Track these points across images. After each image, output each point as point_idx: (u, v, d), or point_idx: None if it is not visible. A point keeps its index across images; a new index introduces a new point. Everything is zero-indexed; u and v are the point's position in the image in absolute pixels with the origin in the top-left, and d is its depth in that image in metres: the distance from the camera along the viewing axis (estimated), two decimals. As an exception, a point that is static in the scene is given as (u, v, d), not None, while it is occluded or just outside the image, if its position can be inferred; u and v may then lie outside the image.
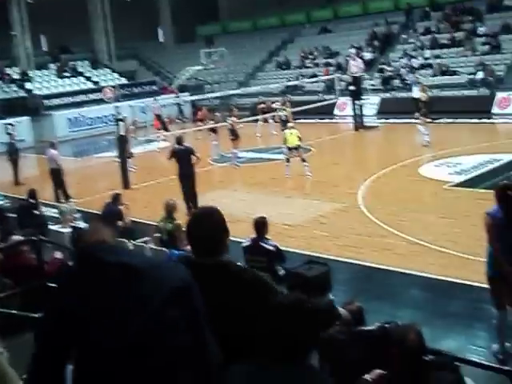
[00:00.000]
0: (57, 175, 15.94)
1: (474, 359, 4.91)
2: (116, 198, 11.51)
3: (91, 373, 2.10)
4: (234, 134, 19.35)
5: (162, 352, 2.09)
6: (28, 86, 33.48)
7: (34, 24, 34.35)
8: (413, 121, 19.61)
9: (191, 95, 31.02)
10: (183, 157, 13.69)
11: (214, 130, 21.20)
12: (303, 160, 16.33)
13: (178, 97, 31.50)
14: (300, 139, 16.70)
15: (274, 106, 24.30)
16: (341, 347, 4.68)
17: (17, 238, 7.13)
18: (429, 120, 19.32)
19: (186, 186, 13.57)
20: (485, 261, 6.70)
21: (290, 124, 17.91)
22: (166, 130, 25.18)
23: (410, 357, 4.04)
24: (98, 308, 2.08)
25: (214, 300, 2.68)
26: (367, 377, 4.09)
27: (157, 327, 2.10)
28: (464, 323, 7.61)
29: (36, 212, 12.40)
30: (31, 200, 12.49)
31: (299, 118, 24.32)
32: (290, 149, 16.57)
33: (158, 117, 26.55)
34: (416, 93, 25.95)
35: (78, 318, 2.07)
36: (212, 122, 22.39)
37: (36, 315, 4.85)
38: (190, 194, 13.47)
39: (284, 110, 22.26)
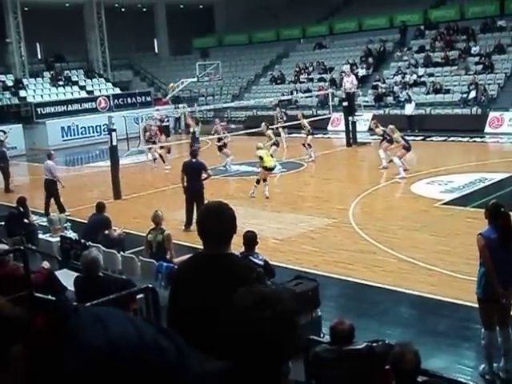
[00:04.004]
0: (50, 187, 15.62)
1: (461, 379, 4.89)
2: (100, 207, 11.43)
3: None
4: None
5: None
6: (22, 93, 33.42)
7: (29, 32, 34.34)
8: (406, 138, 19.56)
9: (184, 107, 31.04)
10: (192, 171, 13.49)
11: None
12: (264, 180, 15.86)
13: (177, 108, 31.48)
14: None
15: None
16: (327, 365, 4.65)
17: (3, 246, 7.06)
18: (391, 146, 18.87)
19: (190, 201, 13.18)
20: (474, 280, 6.69)
21: (260, 144, 16.76)
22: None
23: (405, 377, 4.00)
24: None
25: (215, 288, 3.02)
26: None
27: None
28: (452, 342, 7.58)
29: (25, 220, 12.33)
30: (21, 208, 12.41)
31: (292, 133, 24.40)
32: (267, 169, 15.86)
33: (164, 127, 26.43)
34: (408, 110, 26.19)
35: None
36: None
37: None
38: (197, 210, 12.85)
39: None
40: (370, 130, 22.09)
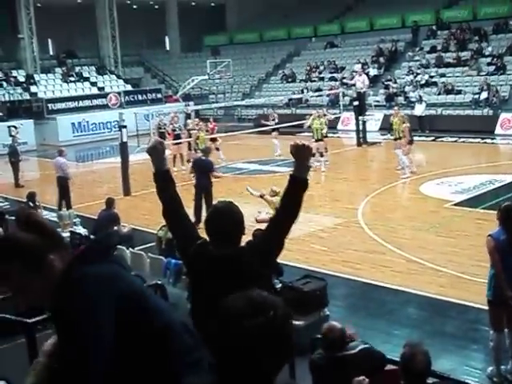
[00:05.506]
0: (62, 184, 15.46)
1: (468, 381, 4.87)
2: (110, 203, 11.48)
3: None
4: None
5: None
6: (33, 89, 33.56)
7: (41, 28, 34.49)
8: (415, 138, 19.53)
9: (195, 105, 31.07)
10: (200, 168, 13.75)
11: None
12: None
13: (188, 105, 31.48)
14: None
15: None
16: (324, 372, 4.63)
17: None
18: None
19: (199, 198, 13.24)
20: (483, 282, 6.67)
21: (275, 188, 12.93)
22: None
23: (415, 378, 3.96)
24: None
25: (225, 287, 2.88)
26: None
27: None
28: (460, 344, 7.55)
29: (35, 215, 12.38)
30: (30, 203, 12.48)
31: (303, 132, 24.36)
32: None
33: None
34: (418, 110, 26.10)
35: None
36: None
37: (29, 320, 4.82)
38: (206, 206, 12.76)
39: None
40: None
